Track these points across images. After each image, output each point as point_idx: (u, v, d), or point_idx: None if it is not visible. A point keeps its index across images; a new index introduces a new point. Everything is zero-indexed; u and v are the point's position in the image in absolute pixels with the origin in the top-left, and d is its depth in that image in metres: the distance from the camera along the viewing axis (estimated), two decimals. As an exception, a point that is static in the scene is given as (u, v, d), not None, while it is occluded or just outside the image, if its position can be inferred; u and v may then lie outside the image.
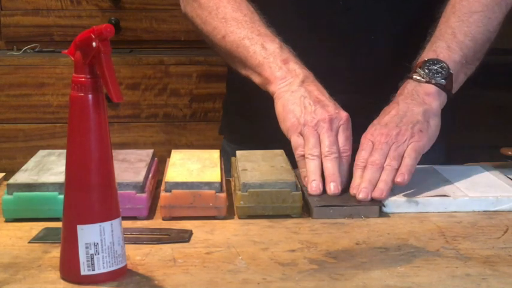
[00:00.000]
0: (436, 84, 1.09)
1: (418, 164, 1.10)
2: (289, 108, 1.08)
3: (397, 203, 0.98)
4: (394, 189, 1.01)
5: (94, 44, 0.72)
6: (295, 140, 1.06)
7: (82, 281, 0.75)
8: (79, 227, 0.74)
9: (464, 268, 0.80)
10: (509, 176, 1.08)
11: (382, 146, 1.02)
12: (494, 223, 0.94)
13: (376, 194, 0.98)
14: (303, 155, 1.04)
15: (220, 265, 0.80)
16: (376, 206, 0.97)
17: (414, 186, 1.02)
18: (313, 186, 1.00)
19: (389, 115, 1.07)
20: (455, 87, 1.12)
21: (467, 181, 1.05)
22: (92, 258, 0.74)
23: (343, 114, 1.06)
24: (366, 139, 1.04)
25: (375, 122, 1.07)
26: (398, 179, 0.99)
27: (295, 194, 0.95)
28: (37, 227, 0.91)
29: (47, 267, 0.79)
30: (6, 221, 0.94)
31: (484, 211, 0.98)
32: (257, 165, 1.03)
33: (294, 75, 1.10)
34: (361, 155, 1.03)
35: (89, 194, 0.74)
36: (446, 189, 1.02)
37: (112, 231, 0.75)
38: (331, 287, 0.75)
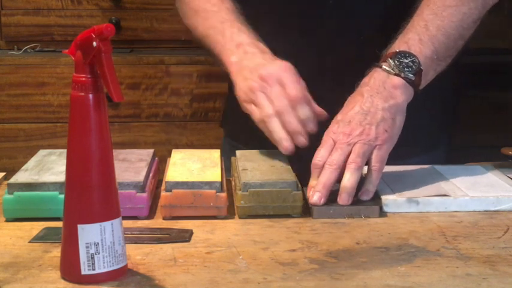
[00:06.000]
0: (405, 78, 1.05)
1: (418, 164, 1.11)
2: (235, 81, 1.10)
3: (397, 203, 0.98)
4: (394, 189, 1.01)
5: (94, 43, 0.72)
6: (249, 110, 1.08)
7: (82, 281, 0.75)
8: (79, 227, 0.74)
9: (465, 268, 0.80)
10: (509, 176, 1.07)
11: (343, 146, 1.00)
12: (494, 223, 0.94)
13: (341, 201, 0.97)
14: (263, 120, 1.05)
15: (220, 265, 0.80)
16: (376, 206, 0.97)
17: (415, 186, 1.02)
18: (283, 143, 1.02)
19: (353, 111, 1.04)
20: (423, 83, 1.09)
21: (467, 181, 1.05)
22: (93, 258, 0.74)
23: (278, 64, 1.08)
24: (328, 137, 1.03)
25: (338, 117, 1.04)
26: (364, 197, 0.99)
27: (296, 194, 0.95)
28: (37, 227, 0.91)
29: (47, 267, 0.79)
30: (7, 220, 0.94)
31: (485, 211, 0.98)
32: (257, 165, 1.03)
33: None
34: (320, 153, 1.01)
35: (90, 194, 0.74)
36: (446, 189, 1.02)
37: (112, 230, 0.75)
38: (331, 286, 0.75)
